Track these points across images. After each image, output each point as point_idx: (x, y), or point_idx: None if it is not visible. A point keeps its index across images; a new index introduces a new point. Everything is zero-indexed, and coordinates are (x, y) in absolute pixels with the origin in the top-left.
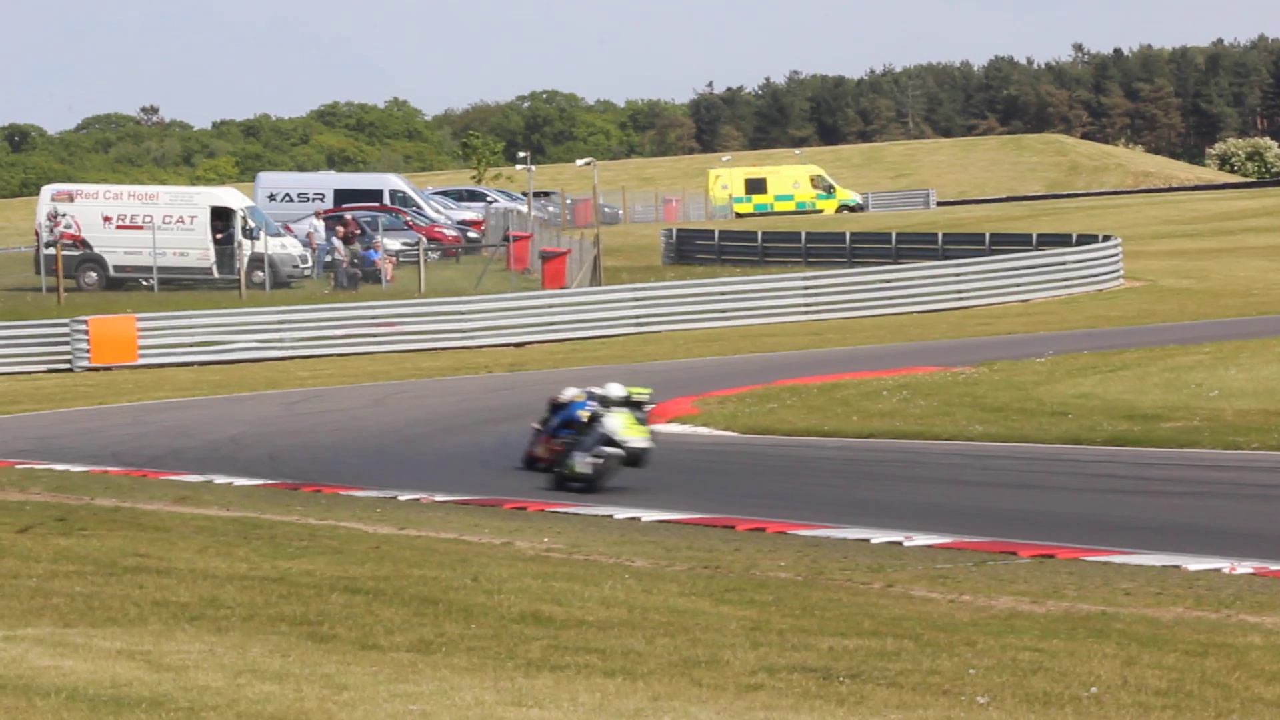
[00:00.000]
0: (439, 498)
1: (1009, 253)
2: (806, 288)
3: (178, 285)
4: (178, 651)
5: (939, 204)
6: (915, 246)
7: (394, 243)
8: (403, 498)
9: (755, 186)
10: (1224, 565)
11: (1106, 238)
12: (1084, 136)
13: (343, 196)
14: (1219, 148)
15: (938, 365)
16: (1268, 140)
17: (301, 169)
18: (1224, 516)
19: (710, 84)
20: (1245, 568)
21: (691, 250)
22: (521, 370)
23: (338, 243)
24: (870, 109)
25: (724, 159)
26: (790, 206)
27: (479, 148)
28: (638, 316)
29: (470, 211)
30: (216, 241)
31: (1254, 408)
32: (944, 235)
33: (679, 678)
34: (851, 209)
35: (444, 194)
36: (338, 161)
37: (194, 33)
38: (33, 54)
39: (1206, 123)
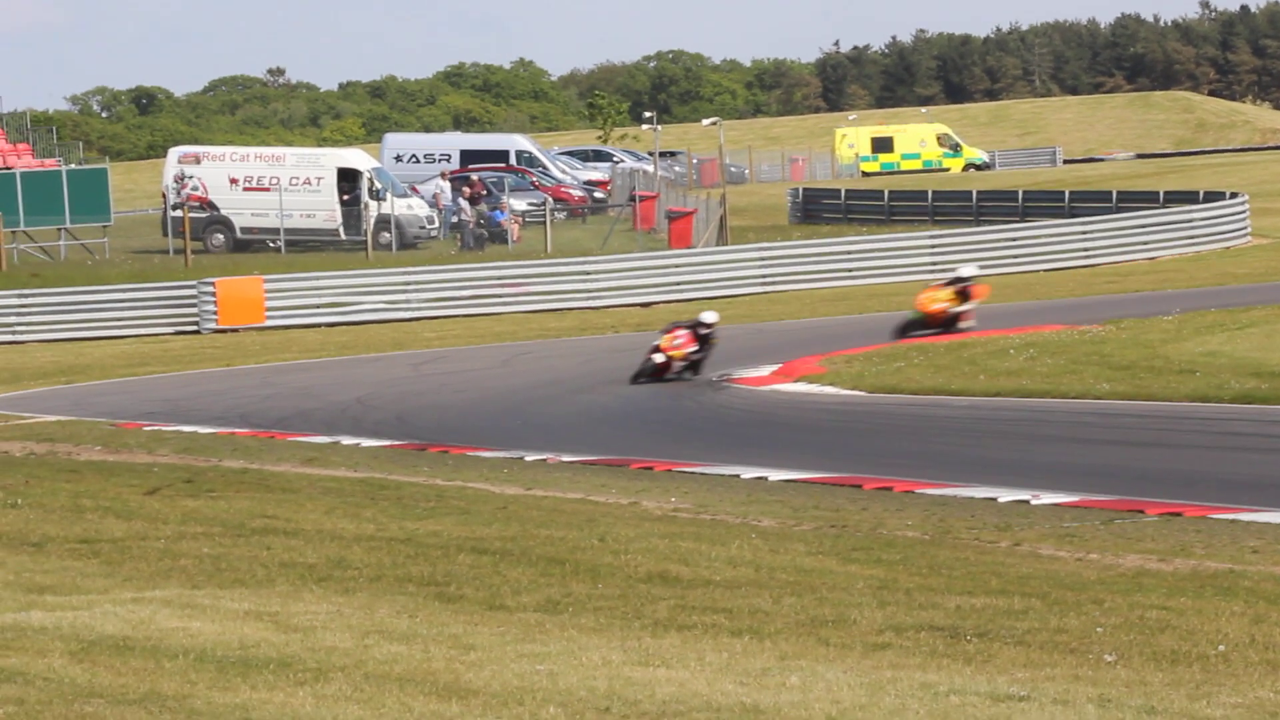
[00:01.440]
0: (565, 458)
1: (1136, 210)
2: (933, 246)
3: (304, 247)
4: (305, 612)
5: (1065, 161)
6: (1042, 204)
7: (520, 203)
8: (529, 458)
9: (882, 145)
10: None
11: (1234, 195)
12: (1211, 94)
13: (469, 157)
14: None
15: (1064, 324)
16: None
17: (428, 130)
18: None
19: (836, 43)
20: None
21: (818, 210)
22: (648, 330)
23: (464, 203)
24: (996, 67)
25: (850, 118)
26: (917, 165)
27: (605, 108)
28: (764, 276)
29: (596, 172)
30: (343, 203)
31: None
32: (1070, 193)
33: (806, 637)
34: (978, 167)
35: (570, 154)
36: (464, 122)
37: None
38: (160, 17)
39: None
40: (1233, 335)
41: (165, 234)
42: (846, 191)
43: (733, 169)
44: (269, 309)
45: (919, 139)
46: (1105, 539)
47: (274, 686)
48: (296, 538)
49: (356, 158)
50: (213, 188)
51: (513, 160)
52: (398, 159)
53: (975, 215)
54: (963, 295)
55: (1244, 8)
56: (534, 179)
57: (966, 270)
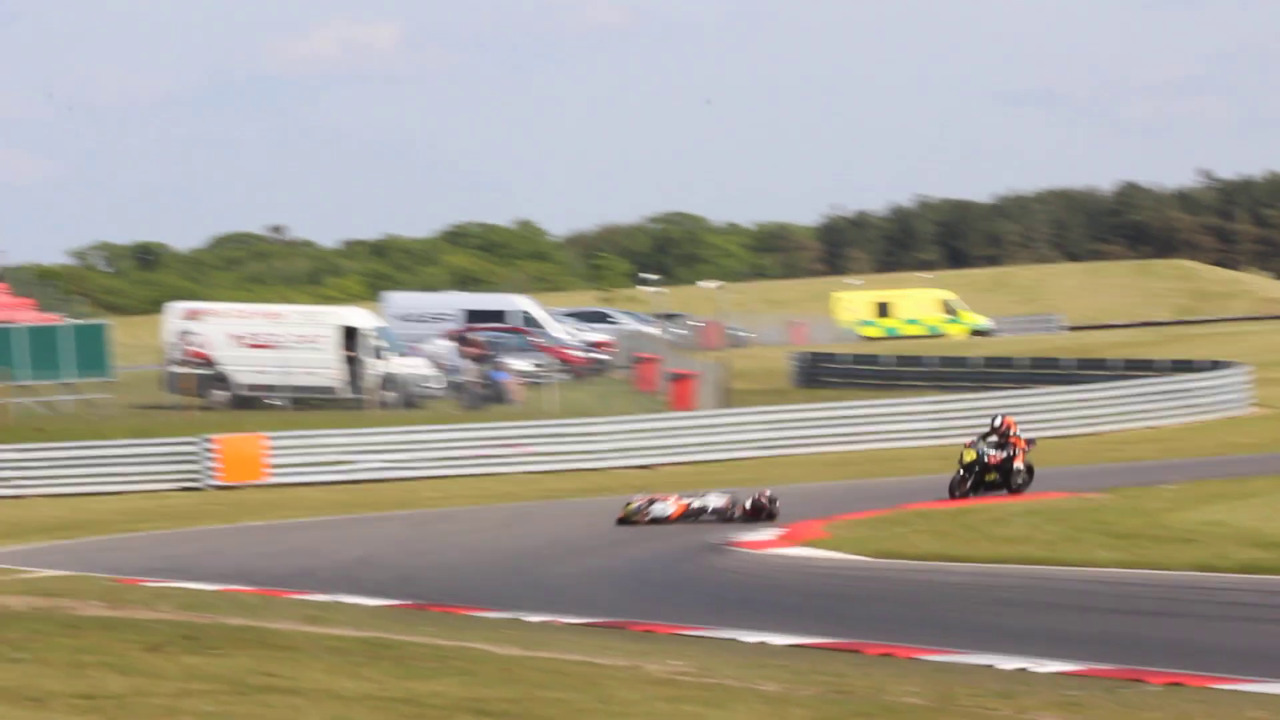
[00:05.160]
0: (567, 619)
1: (1138, 378)
2: (934, 411)
3: (306, 404)
4: None
5: (1068, 329)
6: (1044, 371)
7: (522, 363)
8: (531, 619)
9: (883, 310)
10: None
11: (1234, 365)
12: (1212, 262)
13: (471, 317)
14: None
15: (1066, 491)
16: None
17: (429, 289)
18: None
19: (837, 206)
20: None
21: (819, 373)
22: (650, 492)
23: (466, 363)
24: (998, 233)
25: (853, 282)
26: (918, 330)
27: (606, 269)
28: (766, 439)
29: (598, 333)
30: (345, 361)
31: None
32: (1072, 360)
33: None
34: (980, 333)
35: (572, 315)
36: (465, 282)
37: (322, 152)
38: (161, 173)
39: None
40: (1235, 505)
41: (167, 390)
42: (848, 356)
43: (734, 331)
44: (270, 466)
45: (921, 304)
46: (1108, 708)
47: None
48: (298, 696)
49: (358, 316)
50: (215, 344)
51: (514, 320)
52: (400, 318)
53: (977, 381)
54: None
55: (1245, 177)
56: (535, 339)
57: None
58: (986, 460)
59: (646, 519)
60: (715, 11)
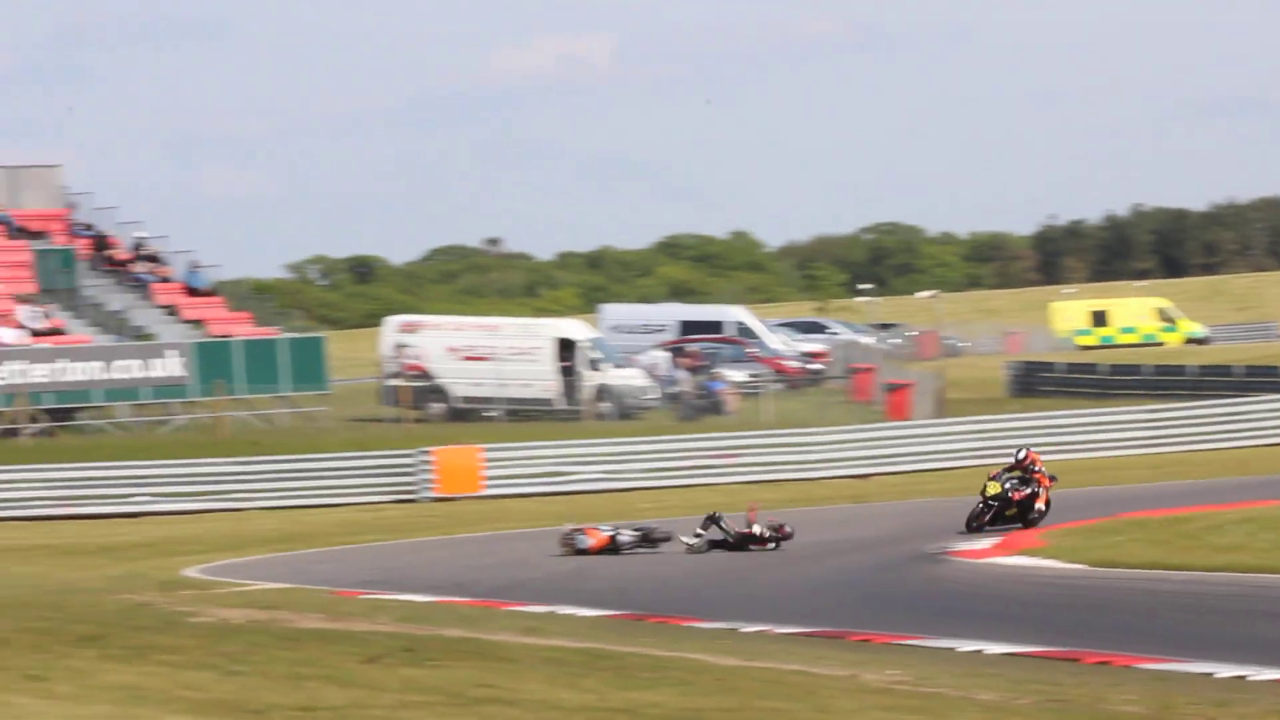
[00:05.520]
0: (783, 629)
1: None
2: (1150, 420)
3: (521, 416)
4: None
5: None
6: (1261, 379)
7: (737, 374)
8: (747, 629)
9: (1099, 319)
10: None
11: None
12: None
13: (686, 328)
14: None
15: None
16: None
17: (644, 300)
18: None
19: (1053, 216)
20: None
21: (1035, 383)
22: (864, 502)
23: (682, 374)
24: (1213, 241)
25: (1069, 291)
26: (1134, 339)
27: (822, 279)
28: (980, 449)
29: (813, 343)
30: (561, 373)
31: None
32: None
33: None
34: (1197, 342)
35: (787, 325)
36: (680, 293)
37: (537, 165)
38: (379, 186)
39: None
40: None
41: (383, 403)
42: (1063, 365)
43: (950, 341)
44: (487, 478)
45: (1136, 313)
46: None
47: None
48: (517, 707)
49: (574, 327)
50: (431, 357)
51: (729, 331)
52: (616, 329)
53: (1193, 389)
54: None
55: None
56: (751, 350)
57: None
58: (1010, 496)
59: (572, 550)
60: (929, 22)
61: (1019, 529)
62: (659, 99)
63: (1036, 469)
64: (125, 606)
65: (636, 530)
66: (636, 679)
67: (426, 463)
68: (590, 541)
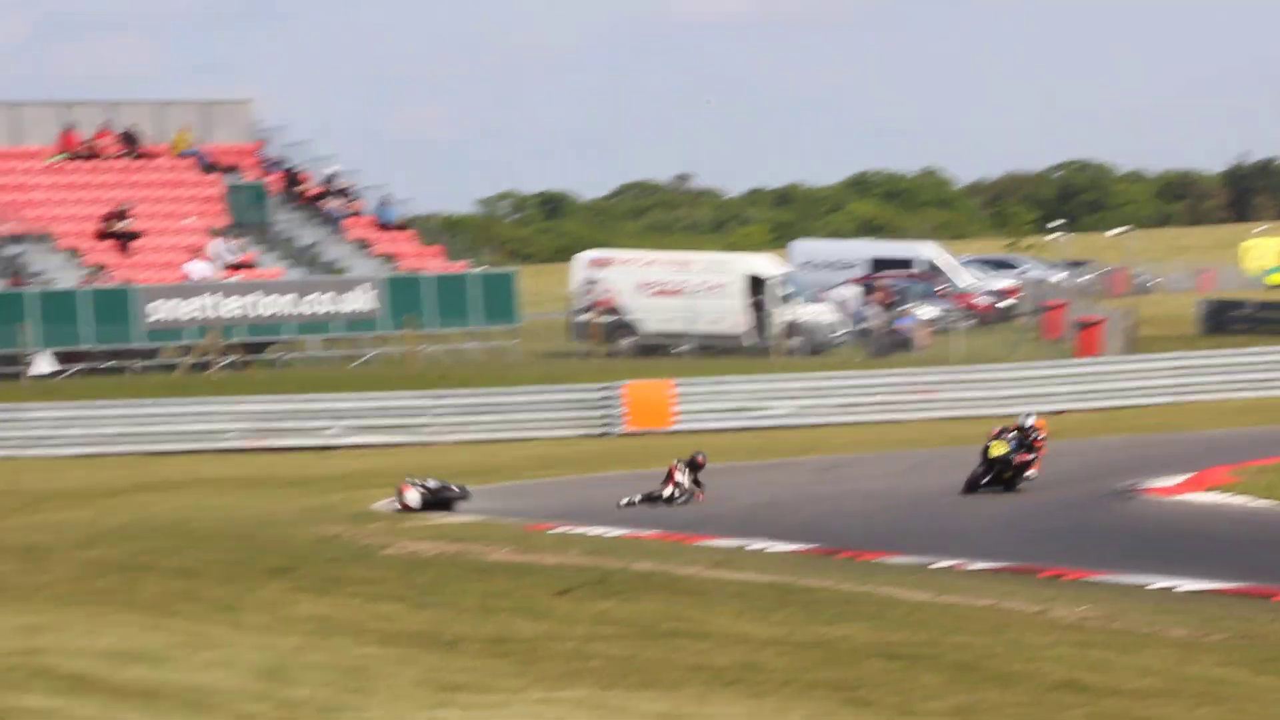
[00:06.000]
0: (974, 565)
1: None
2: None
3: (711, 351)
4: (716, 715)
5: None
6: None
7: (927, 310)
8: (936, 564)
9: None
10: None
11: None
12: None
13: (877, 265)
14: None
15: None
16: None
17: (834, 237)
18: None
19: (1244, 154)
20: None
21: (1226, 320)
22: (1054, 439)
23: (872, 310)
24: None
25: (1258, 229)
26: None
27: (1012, 216)
28: (1174, 385)
29: (1004, 279)
30: (751, 308)
31: None
32: None
33: None
34: None
35: (977, 262)
36: (869, 230)
37: (727, 101)
38: (568, 122)
39: None
40: None
41: (573, 337)
42: (1255, 303)
43: (1140, 279)
44: (677, 412)
45: None
46: None
47: None
48: (706, 640)
49: (764, 263)
50: (621, 292)
51: (920, 268)
52: (806, 265)
53: None
54: (1026, 445)
55: None
56: (941, 287)
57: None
58: (1013, 460)
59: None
60: None
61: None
62: (850, 34)
63: (1040, 436)
64: (316, 539)
65: (428, 488)
66: (826, 613)
67: (617, 397)
68: (414, 498)
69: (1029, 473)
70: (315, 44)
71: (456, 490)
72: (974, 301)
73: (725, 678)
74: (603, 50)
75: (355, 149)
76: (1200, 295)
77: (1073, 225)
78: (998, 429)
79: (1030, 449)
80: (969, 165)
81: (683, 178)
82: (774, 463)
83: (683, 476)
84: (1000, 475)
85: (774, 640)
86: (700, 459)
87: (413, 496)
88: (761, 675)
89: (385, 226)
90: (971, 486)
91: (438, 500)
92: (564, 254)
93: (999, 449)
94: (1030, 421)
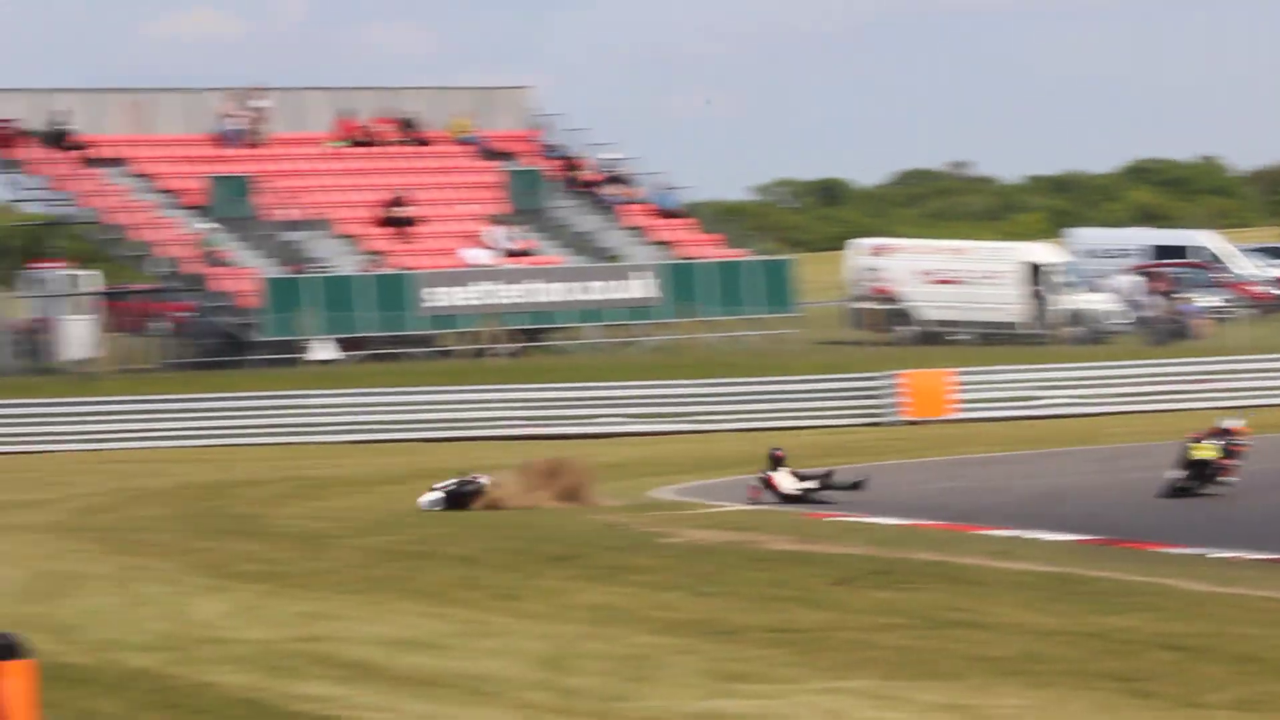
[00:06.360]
0: (1255, 555)
1: None
2: None
3: (988, 340)
4: (997, 706)
5: None
6: None
7: (1207, 299)
8: (1216, 554)
9: None
10: None
11: None
12: None
13: (1156, 253)
14: None
15: None
16: None
17: (1110, 225)
18: None
19: None
20: None
21: None
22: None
23: (1152, 299)
24: None
25: None
26: None
27: None
28: None
29: None
30: (1029, 297)
31: None
32: None
33: None
34: None
35: (1258, 251)
36: (1147, 218)
37: (1004, 87)
38: (843, 109)
39: None
40: None
41: (850, 325)
42: None
43: None
44: (955, 401)
45: None
46: None
47: None
48: (987, 631)
49: (1042, 251)
50: (899, 280)
51: (1199, 256)
52: (1084, 253)
53: None
54: (1227, 449)
55: None
56: (1220, 275)
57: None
58: (1217, 462)
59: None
60: None
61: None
62: (1128, 19)
63: (1242, 442)
64: (596, 527)
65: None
66: (1107, 603)
67: (895, 385)
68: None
69: (1228, 477)
70: (594, 29)
71: (473, 483)
72: (1253, 290)
73: (1006, 668)
74: (880, 36)
75: (633, 135)
76: None
77: None
78: (1201, 431)
79: (1231, 453)
80: (1248, 153)
81: (960, 165)
82: (1052, 452)
83: (786, 478)
84: (1200, 477)
85: (1055, 631)
86: (778, 453)
87: (433, 498)
88: (1042, 666)
89: (663, 214)
90: (1172, 490)
91: (458, 496)
92: (840, 242)
93: (1205, 452)
94: (1233, 424)
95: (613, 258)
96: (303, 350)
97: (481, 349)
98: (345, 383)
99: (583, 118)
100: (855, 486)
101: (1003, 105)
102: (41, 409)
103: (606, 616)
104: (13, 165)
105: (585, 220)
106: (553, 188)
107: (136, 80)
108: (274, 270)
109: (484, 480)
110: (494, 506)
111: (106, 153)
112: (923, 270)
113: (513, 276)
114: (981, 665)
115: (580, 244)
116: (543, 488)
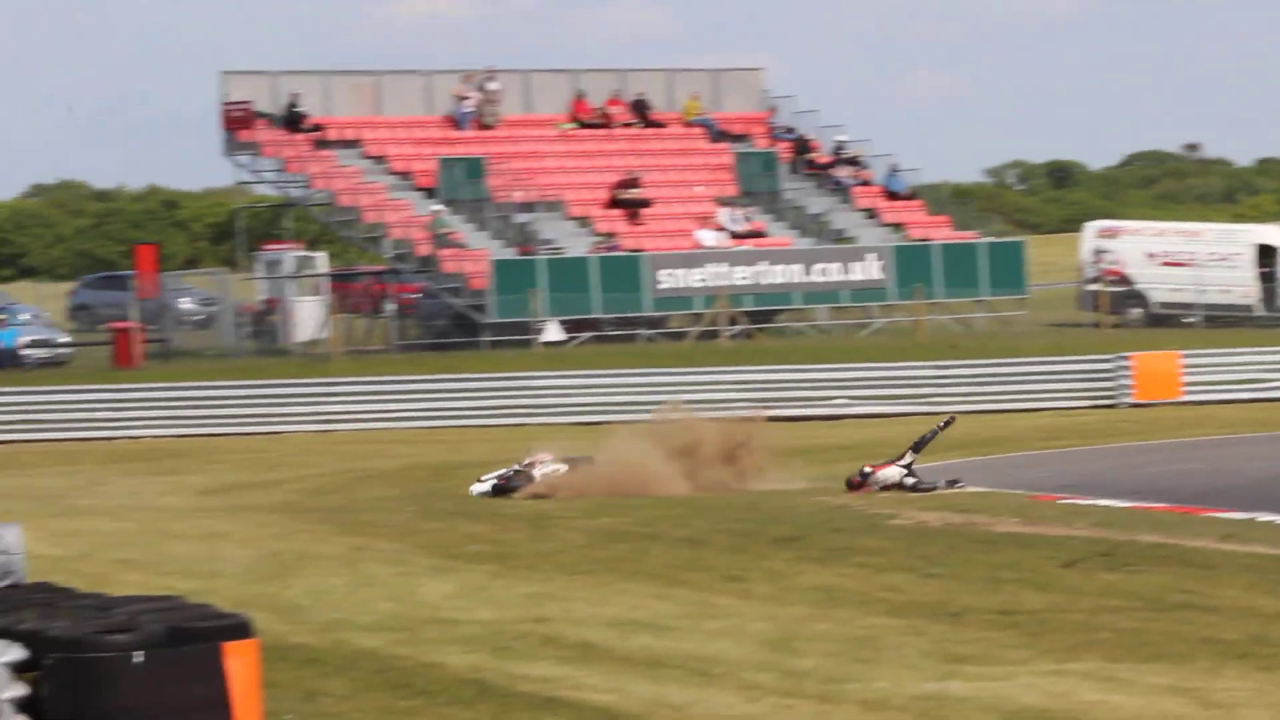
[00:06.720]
0: None
1: None
2: None
3: (1221, 322)
4: (1225, 689)
5: None
6: None
7: None
8: None
9: None
10: None
11: None
12: None
13: None
14: None
15: None
16: None
17: None
18: None
19: None
20: None
21: None
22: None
23: None
24: None
25: None
26: None
27: None
28: None
29: None
30: (1261, 279)
31: None
32: None
33: None
34: None
35: None
36: None
37: (1238, 68)
38: (1076, 89)
39: None
40: None
41: (1081, 308)
42: None
43: None
44: (1185, 384)
45: None
46: None
47: None
48: (1215, 614)
49: (1274, 234)
50: (1130, 262)
51: None
52: None
53: None
54: None
55: None
56: None
57: None
58: None
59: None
60: None
61: None
62: None
63: None
64: (822, 508)
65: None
66: None
67: (1125, 368)
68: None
69: None
70: (826, 9)
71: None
72: None
73: (1235, 651)
74: (1111, 16)
75: (865, 117)
76: None
77: None
78: None
79: None
80: None
81: (1192, 147)
82: None
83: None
84: None
85: None
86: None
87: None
88: (1272, 649)
89: (894, 195)
90: None
91: (505, 489)
92: (1072, 224)
93: None
94: None
95: (843, 239)
96: (536, 332)
97: (711, 330)
98: (574, 364)
99: (814, 99)
100: (952, 484)
101: (1235, 87)
102: (271, 390)
103: (832, 598)
104: (246, 147)
105: (816, 202)
106: (784, 170)
107: (368, 63)
108: (504, 252)
109: (539, 468)
110: (540, 496)
111: (339, 135)
112: (1154, 252)
113: (743, 258)
114: (1208, 648)
115: (810, 225)
116: (719, 466)
